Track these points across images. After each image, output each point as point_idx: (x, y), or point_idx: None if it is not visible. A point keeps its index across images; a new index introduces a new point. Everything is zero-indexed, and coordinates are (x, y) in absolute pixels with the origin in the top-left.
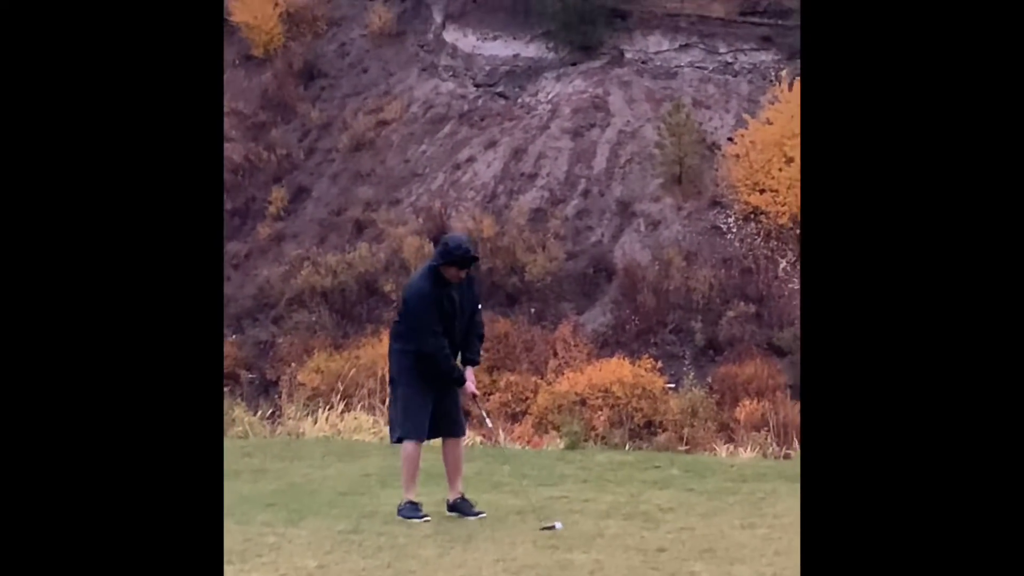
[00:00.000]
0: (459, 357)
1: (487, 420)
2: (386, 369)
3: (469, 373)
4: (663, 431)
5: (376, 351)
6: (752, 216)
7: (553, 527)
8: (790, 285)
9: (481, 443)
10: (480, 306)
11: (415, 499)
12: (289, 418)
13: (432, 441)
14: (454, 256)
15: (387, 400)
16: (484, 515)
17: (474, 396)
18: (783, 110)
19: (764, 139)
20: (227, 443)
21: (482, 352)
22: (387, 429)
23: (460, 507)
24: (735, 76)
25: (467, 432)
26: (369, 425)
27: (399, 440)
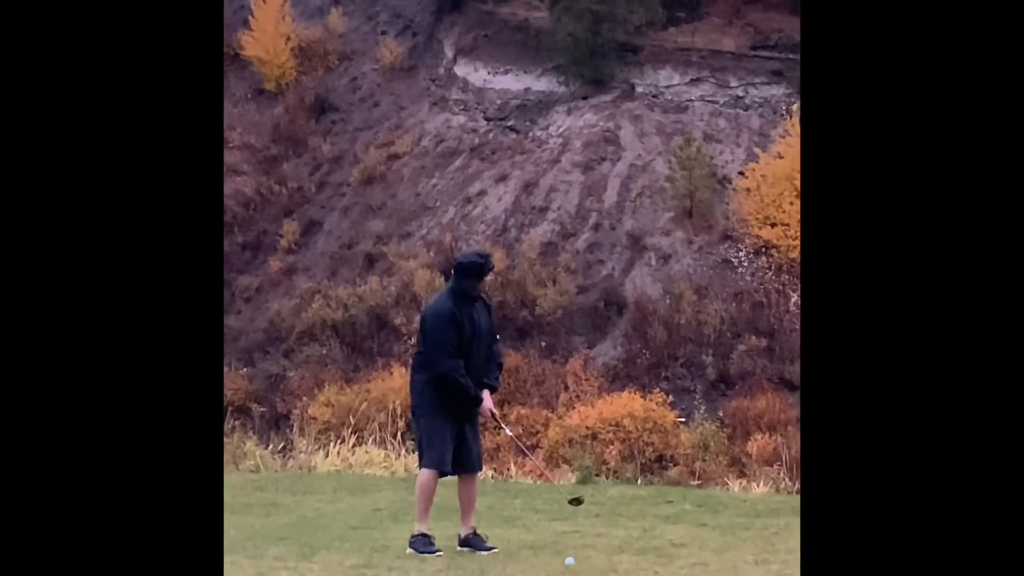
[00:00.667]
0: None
1: (506, 429)
2: (397, 403)
3: (487, 395)
4: (674, 465)
5: (387, 385)
6: (763, 250)
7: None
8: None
9: (493, 477)
10: (498, 336)
11: (428, 532)
12: (300, 452)
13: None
14: (465, 267)
15: (397, 434)
16: (496, 550)
17: (492, 414)
18: (794, 144)
19: (775, 173)
20: (239, 477)
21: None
22: (398, 463)
23: (472, 542)
24: (746, 110)
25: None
26: (380, 459)
27: (430, 467)
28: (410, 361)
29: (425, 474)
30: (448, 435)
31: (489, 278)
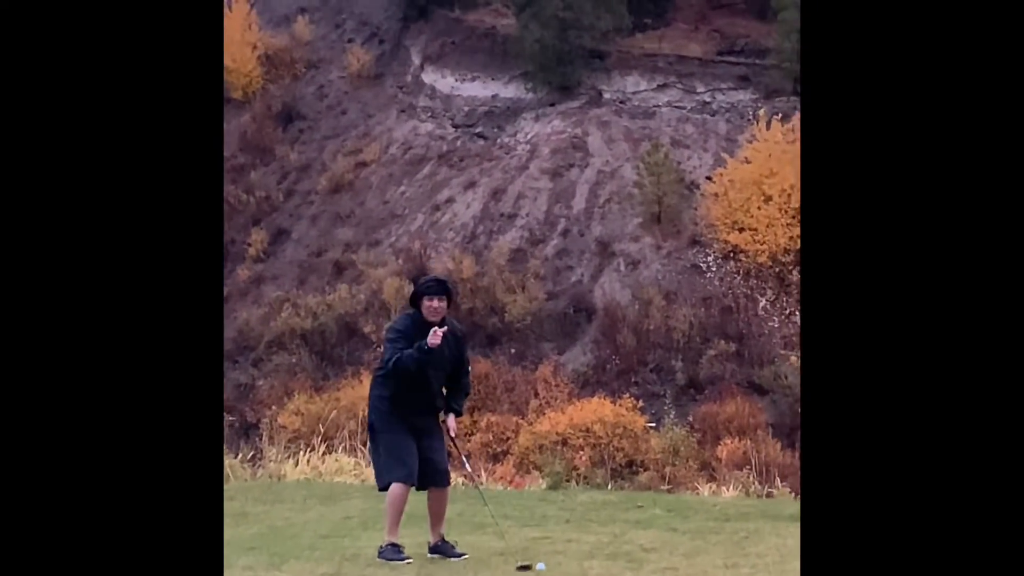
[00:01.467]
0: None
1: (467, 464)
2: (367, 411)
3: (451, 420)
4: (645, 470)
5: (356, 392)
6: (731, 255)
7: (530, 567)
8: (770, 323)
9: (463, 484)
10: (469, 368)
11: (397, 541)
12: (270, 461)
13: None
14: (419, 288)
15: (367, 447)
16: (467, 556)
17: (453, 440)
18: (761, 149)
19: (742, 178)
20: None
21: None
22: (368, 471)
23: (442, 549)
24: (713, 115)
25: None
26: (350, 467)
27: (386, 487)
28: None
29: (395, 488)
30: (409, 447)
31: (434, 304)
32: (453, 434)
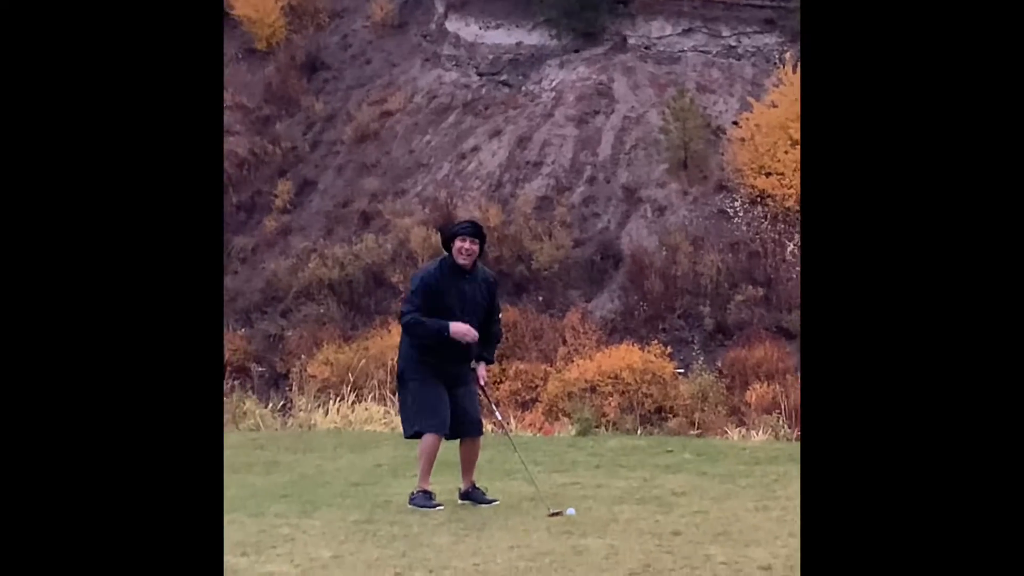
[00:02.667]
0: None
1: (496, 413)
2: (395, 360)
3: (481, 368)
4: (674, 416)
5: (385, 342)
6: (759, 199)
7: (561, 513)
8: (798, 268)
9: (493, 431)
10: (500, 316)
11: (429, 488)
12: (300, 410)
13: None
14: (449, 230)
15: (397, 395)
16: (497, 502)
17: (483, 388)
18: (787, 93)
19: (769, 122)
20: (239, 436)
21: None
22: (398, 419)
23: (473, 495)
24: (739, 60)
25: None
26: (380, 416)
27: (415, 435)
28: None
29: (429, 439)
30: (440, 396)
31: (466, 245)
32: (483, 382)
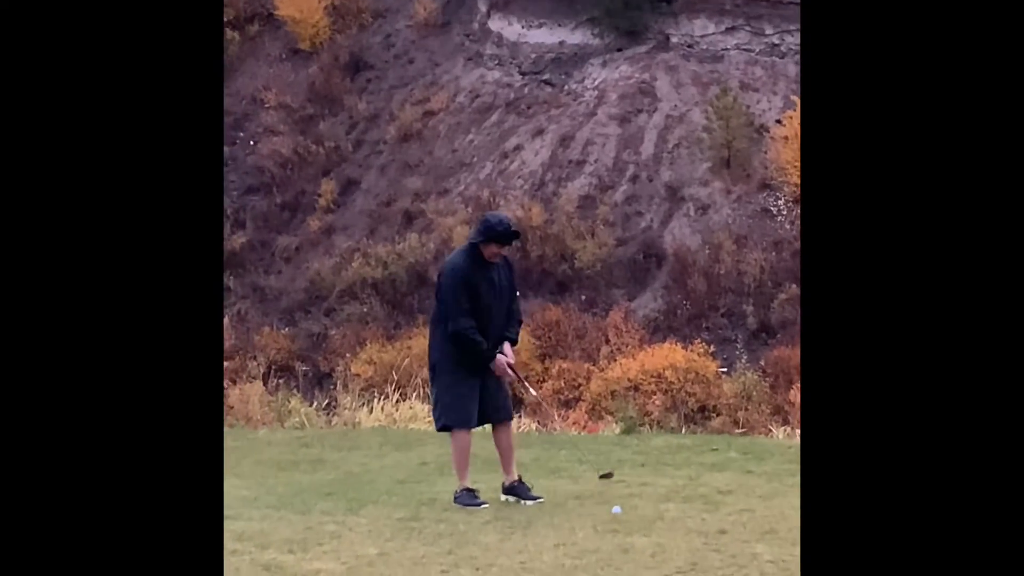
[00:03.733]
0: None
1: (531, 389)
2: (428, 357)
3: (507, 348)
4: (717, 415)
5: (427, 341)
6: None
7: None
8: None
9: (537, 430)
10: (518, 293)
11: (471, 485)
12: (345, 408)
13: (482, 427)
14: (495, 232)
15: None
16: (542, 500)
17: (509, 365)
18: None
19: None
20: (284, 434)
21: (523, 336)
22: None
23: (517, 491)
24: (782, 58)
25: (522, 420)
26: (424, 414)
27: (444, 428)
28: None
29: (459, 435)
30: (471, 390)
31: (503, 251)
32: (511, 360)
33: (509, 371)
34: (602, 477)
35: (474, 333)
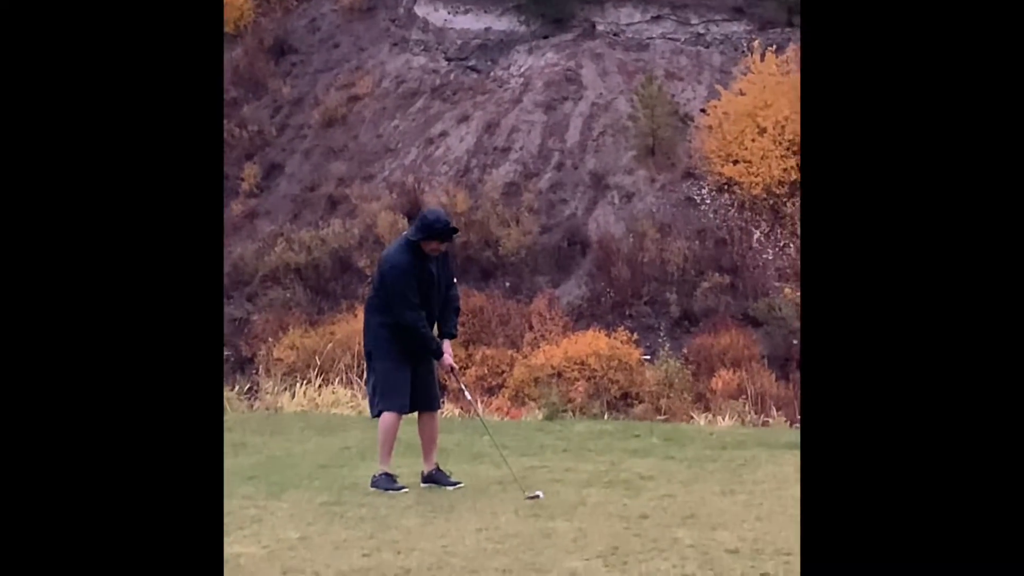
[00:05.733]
0: (435, 330)
1: (466, 392)
2: (362, 344)
3: (447, 346)
4: (640, 402)
5: (351, 326)
6: (726, 187)
7: (537, 496)
8: (764, 256)
9: (460, 416)
10: (455, 280)
11: (390, 470)
12: (267, 393)
13: (408, 414)
14: (434, 229)
15: (364, 374)
16: (462, 485)
17: (452, 369)
18: (755, 81)
19: (737, 110)
20: None
21: (458, 326)
22: (365, 402)
23: (436, 478)
24: (707, 47)
25: (445, 405)
26: (347, 399)
27: (380, 414)
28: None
29: (387, 417)
30: (405, 376)
31: (441, 247)
32: (452, 365)
33: (452, 375)
34: (529, 499)
35: (425, 328)
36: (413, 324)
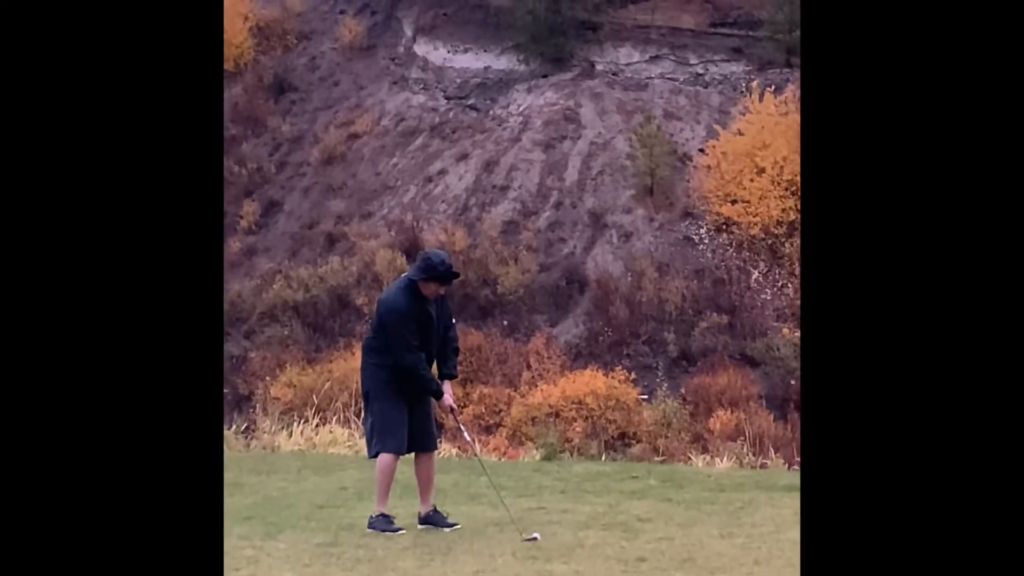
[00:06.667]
0: (434, 370)
1: (464, 433)
2: (360, 383)
3: (447, 386)
4: (637, 442)
5: (349, 364)
6: (724, 227)
7: (535, 538)
8: (762, 295)
9: (457, 456)
10: (454, 320)
11: (387, 512)
12: (264, 432)
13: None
14: (436, 271)
15: (362, 414)
16: (459, 526)
17: (452, 409)
18: (753, 121)
19: (735, 150)
20: None
21: (457, 366)
22: (363, 442)
23: (433, 519)
24: (706, 87)
25: (442, 445)
26: (344, 438)
27: (377, 455)
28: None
29: (385, 458)
30: (402, 417)
31: (441, 291)
32: (452, 405)
33: (452, 415)
34: (527, 540)
35: (425, 369)
36: (413, 366)
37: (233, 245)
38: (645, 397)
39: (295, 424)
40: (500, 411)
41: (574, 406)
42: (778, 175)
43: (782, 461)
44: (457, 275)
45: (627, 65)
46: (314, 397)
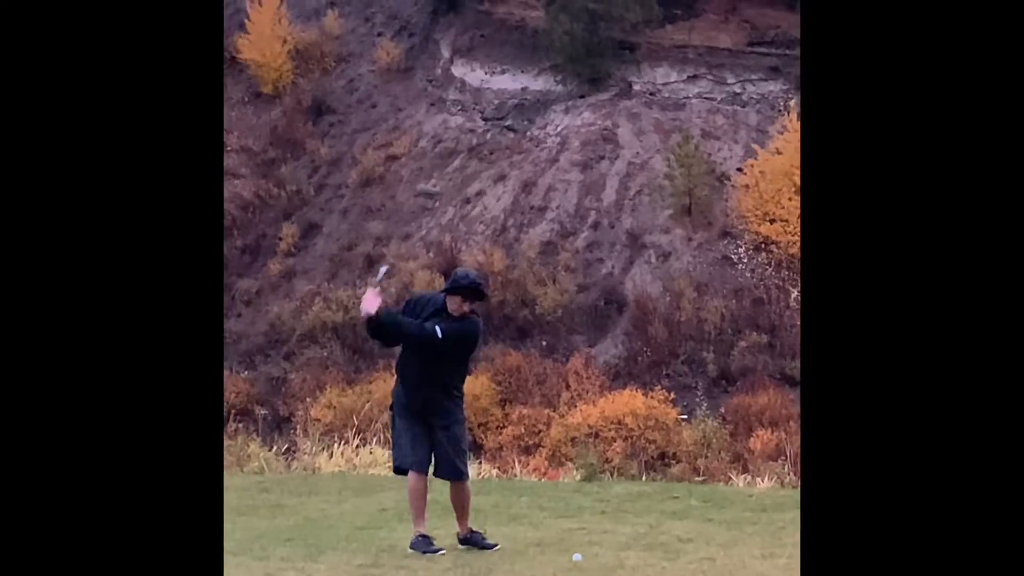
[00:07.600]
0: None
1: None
2: None
3: (370, 293)
4: (677, 462)
5: (388, 386)
6: (763, 246)
7: (576, 559)
8: None
9: (497, 476)
10: (469, 360)
11: (425, 532)
12: (304, 453)
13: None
14: (459, 284)
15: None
16: (498, 547)
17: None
18: (792, 140)
19: (773, 169)
20: (244, 479)
21: (483, 381)
22: None
23: (472, 539)
24: (743, 107)
25: (481, 466)
26: (384, 459)
27: (398, 470)
28: None
29: (413, 479)
30: (416, 433)
31: (464, 308)
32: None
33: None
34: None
35: (409, 326)
36: (395, 322)
37: (272, 267)
38: (685, 417)
39: (335, 445)
40: (539, 431)
41: (613, 426)
42: None
43: None
44: (481, 292)
45: (664, 85)
46: (354, 418)
